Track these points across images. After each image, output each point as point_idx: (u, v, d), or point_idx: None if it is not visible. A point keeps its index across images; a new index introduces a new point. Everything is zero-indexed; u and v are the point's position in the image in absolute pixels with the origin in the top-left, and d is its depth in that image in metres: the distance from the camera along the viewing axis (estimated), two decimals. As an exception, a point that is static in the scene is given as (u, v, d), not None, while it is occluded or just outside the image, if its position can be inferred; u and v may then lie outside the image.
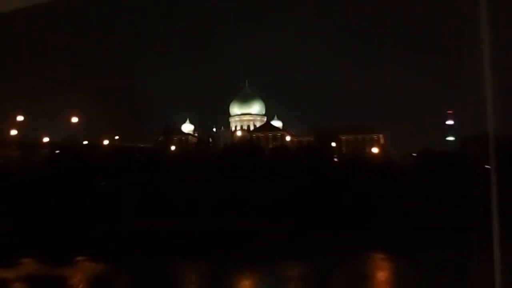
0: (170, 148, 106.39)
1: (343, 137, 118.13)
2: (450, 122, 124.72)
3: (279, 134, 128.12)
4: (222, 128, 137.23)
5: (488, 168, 6.40)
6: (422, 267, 46.55)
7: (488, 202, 5.90)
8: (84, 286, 51.03)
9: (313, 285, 38.78)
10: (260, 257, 58.87)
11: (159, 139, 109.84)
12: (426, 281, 39.58)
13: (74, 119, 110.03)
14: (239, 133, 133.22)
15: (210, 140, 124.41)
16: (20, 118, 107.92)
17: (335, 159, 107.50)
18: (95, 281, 52.28)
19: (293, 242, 69.77)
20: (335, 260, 50.44)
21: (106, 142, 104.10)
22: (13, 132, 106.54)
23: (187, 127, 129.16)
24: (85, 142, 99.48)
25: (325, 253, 52.75)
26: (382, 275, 56.03)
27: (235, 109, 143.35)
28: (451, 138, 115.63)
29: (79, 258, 66.15)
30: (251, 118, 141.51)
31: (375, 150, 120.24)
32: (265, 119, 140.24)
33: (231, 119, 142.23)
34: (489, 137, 6.66)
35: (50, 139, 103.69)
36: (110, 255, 61.44)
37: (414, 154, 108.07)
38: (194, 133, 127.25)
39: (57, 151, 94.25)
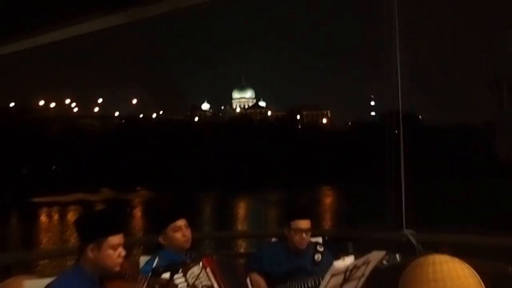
0: (194, 119, 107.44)
1: (304, 112, 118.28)
2: (372, 102, 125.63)
3: (263, 110, 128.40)
4: (228, 107, 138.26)
5: (397, 133, 6.15)
6: (351, 195, 47.21)
7: (397, 154, 5.75)
8: (140, 205, 51.82)
9: (285, 205, 39.28)
10: (251, 188, 59.80)
11: (188, 113, 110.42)
12: (353, 203, 39.99)
13: (134, 100, 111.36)
14: (238, 110, 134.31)
15: (220, 114, 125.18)
16: (100, 100, 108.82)
17: (299, 127, 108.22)
18: (146, 202, 53.08)
19: (273, 178, 70.62)
20: (299, 190, 51.08)
21: (154, 115, 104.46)
22: (95, 109, 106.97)
23: (205, 106, 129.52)
24: (141, 115, 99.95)
25: (292, 186, 53.48)
26: (327, 199, 56.87)
27: (235, 94, 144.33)
28: (373, 113, 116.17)
29: (138, 188, 66.90)
30: (245, 100, 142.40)
31: (324, 120, 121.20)
32: (255, 101, 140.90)
33: (233, 101, 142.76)
34: (399, 112, 6.25)
35: (119, 113, 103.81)
36: (159, 187, 62.22)
37: (349, 123, 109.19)
38: (209, 110, 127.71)
39: (123, 121, 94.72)
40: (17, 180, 65.34)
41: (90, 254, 3.10)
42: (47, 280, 3.24)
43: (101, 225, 3.16)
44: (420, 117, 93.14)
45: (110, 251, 3.11)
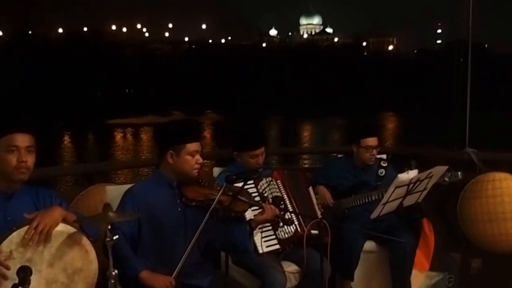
0: (262, 45, 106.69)
1: (370, 39, 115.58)
2: (439, 30, 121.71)
3: (330, 37, 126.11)
4: (295, 33, 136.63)
5: (463, 61, 5.76)
6: (414, 121, 46.22)
7: (464, 83, 5.54)
8: (209, 127, 52.33)
9: (345, 131, 38.85)
10: (314, 114, 59.57)
11: (256, 39, 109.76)
12: (415, 128, 39.07)
13: (203, 25, 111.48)
14: (305, 36, 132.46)
15: (287, 40, 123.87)
16: (170, 25, 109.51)
17: (365, 53, 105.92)
18: (215, 124, 53.53)
19: (336, 104, 70.02)
20: (362, 116, 50.41)
21: (222, 40, 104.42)
22: (166, 34, 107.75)
23: (273, 32, 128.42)
24: (210, 41, 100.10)
25: (355, 112, 52.87)
26: (390, 125, 56.09)
27: (303, 21, 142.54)
28: (439, 41, 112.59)
29: (207, 111, 67.55)
30: (312, 27, 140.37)
31: (390, 48, 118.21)
32: (321, 27, 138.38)
33: (300, 27, 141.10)
34: (466, 40, 5.85)
35: (188, 38, 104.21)
36: (227, 110, 62.52)
37: (415, 51, 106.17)
38: (277, 36, 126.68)
39: (193, 46, 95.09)
40: (92, 103, 67.35)
41: (169, 159, 3.30)
42: (126, 186, 3.47)
43: (180, 133, 3.32)
44: (486, 46, 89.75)
45: (188, 157, 3.28)
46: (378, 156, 4.65)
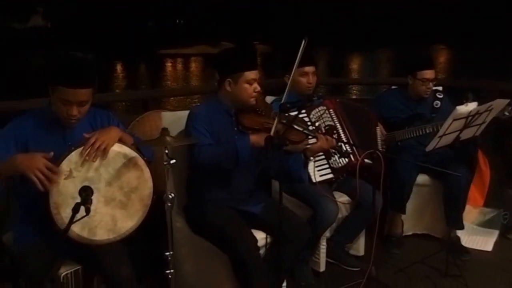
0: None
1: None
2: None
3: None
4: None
5: None
6: (469, 54, 44.50)
7: None
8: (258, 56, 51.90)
9: (396, 63, 38.04)
10: (362, 46, 58.26)
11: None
12: (470, 61, 37.49)
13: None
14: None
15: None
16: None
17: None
18: (262, 55, 52.91)
19: (383, 36, 68.00)
20: (410, 49, 48.96)
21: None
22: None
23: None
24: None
25: (405, 44, 51.31)
26: (441, 58, 54.42)
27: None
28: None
29: (256, 42, 66.76)
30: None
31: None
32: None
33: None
34: None
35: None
36: (274, 41, 61.59)
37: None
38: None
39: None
40: (143, 33, 67.52)
41: (227, 87, 3.27)
42: (182, 113, 3.49)
43: (238, 61, 3.27)
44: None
45: (246, 85, 3.24)
46: (434, 88, 4.51)
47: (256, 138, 3.14)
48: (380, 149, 4.04)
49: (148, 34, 68.84)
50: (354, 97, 13.35)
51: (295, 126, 3.23)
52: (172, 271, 2.67)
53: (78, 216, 2.33)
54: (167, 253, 2.66)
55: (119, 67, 42.33)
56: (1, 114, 4.11)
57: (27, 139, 2.67)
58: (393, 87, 5.02)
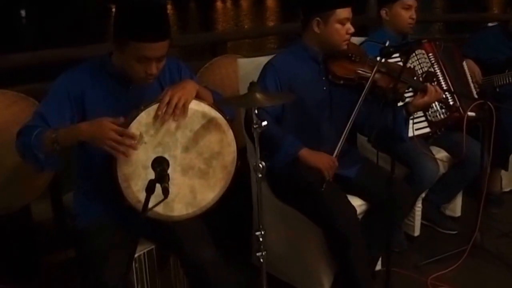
0: None
1: None
2: None
3: None
4: None
5: None
6: None
7: None
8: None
9: None
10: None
11: None
12: None
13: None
14: None
15: None
16: None
17: None
18: None
19: None
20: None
21: None
22: None
23: None
24: None
25: None
26: None
27: None
28: None
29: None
30: None
31: None
32: None
33: None
34: None
35: None
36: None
37: None
38: None
39: None
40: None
41: (315, 28, 2.68)
42: (260, 59, 2.90)
43: None
44: None
45: (338, 26, 2.65)
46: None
47: (310, 157, 2.61)
48: (475, 94, 3.46)
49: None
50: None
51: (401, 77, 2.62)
52: (264, 253, 2.17)
53: (153, 198, 1.82)
54: (257, 233, 2.16)
55: (169, 7, 41.72)
56: (56, 63, 3.57)
57: (82, 97, 2.15)
58: (489, 24, 4.34)
